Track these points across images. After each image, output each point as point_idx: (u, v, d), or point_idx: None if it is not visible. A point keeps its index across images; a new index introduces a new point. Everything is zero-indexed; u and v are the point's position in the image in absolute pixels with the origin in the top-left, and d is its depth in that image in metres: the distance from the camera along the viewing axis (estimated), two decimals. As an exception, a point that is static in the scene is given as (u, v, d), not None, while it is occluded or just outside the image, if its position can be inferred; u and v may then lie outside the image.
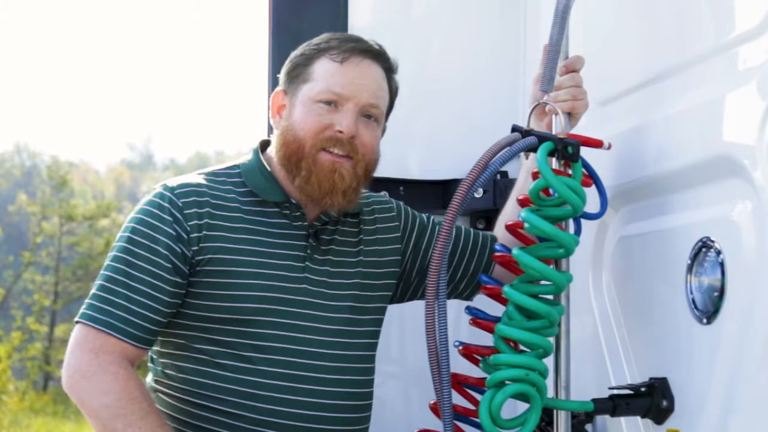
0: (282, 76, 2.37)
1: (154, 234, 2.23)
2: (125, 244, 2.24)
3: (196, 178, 2.32)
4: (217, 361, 2.24)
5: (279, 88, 2.37)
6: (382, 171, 2.92)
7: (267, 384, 2.23)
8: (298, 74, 2.32)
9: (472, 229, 2.53)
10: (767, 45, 1.87)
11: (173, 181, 2.31)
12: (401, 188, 2.95)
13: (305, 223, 2.32)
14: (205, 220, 2.25)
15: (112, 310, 2.19)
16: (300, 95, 2.30)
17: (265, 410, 2.22)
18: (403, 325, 2.91)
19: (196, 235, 2.24)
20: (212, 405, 2.23)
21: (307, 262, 2.29)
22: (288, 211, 2.31)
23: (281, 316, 2.25)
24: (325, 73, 2.29)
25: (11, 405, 16.16)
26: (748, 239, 1.90)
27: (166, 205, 2.25)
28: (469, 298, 2.51)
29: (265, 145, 2.40)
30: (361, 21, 2.96)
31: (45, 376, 20.72)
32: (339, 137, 2.26)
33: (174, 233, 2.23)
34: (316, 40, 2.35)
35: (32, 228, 23.18)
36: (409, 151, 3.05)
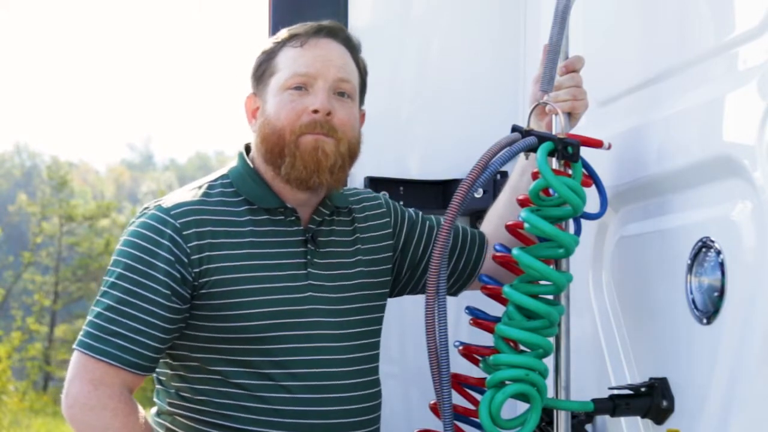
0: (250, 80, 2.35)
1: (152, 260, 2.17)
2: (122, 271, 2.18)
3: (191, 194, 2.27)
4: (236, 381, 2.20)
5: (249, 93, 2.35)
6: (382, 171, 2.94)
7: (290, 398, 2.20)
8: (264, 71, 2.31)
9: (461, 226, 2.51)
10: (767, 45, 1.87)
11: (168, 201, 2.25)
12: (401, 188, 2.94)
13: (301, 228, 2.29)
14: (207, 240, 2.20)
15: (111, 338, 2.15)
16: (269, 89, 2.28)
17: (290, 424, 2.19)
18: (403, 325, 2.91)
19: (197, 256, 2.18)
20: (235, 425, 2.19)
21: (309, 269, 2.27)
22: (283, 217, 2.28)
23: (292, 329, 2.21)
24: (288, 61, 2.28)
25: (11, 405, 16.16)
26: (748, 239, 1.90)
27: (163, 228, 2.19)
28: (455, 294, 2.50)
29: (249, 148, 2.36)
30: (361, 21, 2.96)
31: (45, 376, 20.73)
32: (316, 118, 2.23)
33: (173, 258, 2.17)
34: (275, 36, 2.34)
35: (32, 228, 23.19)
36: (409, 151, 3.05)
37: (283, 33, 2.33)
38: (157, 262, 2.17)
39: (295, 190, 2.27)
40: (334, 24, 2.35)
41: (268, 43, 2.34)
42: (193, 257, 2.18)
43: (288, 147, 2.23)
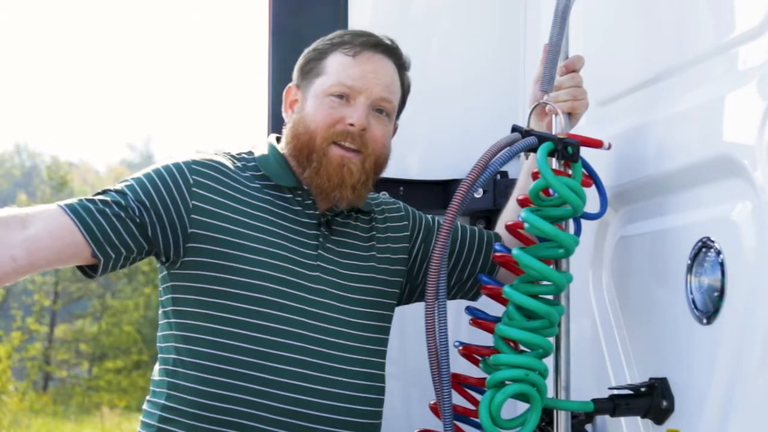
0: (295, 71, 2.41)
1: (154, 189, 2.24)
2: (126, 183, 2.27)
3: (217, 156, 2.35)
4: (231, 342, 2.22)
5: (292, 83, 2.41)
6: (382, 171, 2.94)
7: (282, 370, 2.21)
8: (311, 69, 2.36)
9: (476, 228, 2.54)
10: (767, 45, 1.87)
11: (196, 155, 2.33)
12: (401, 188, 2.95)
13: (317, 212, 2.34)
14: (218, 196, 2.26)
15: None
16: (312, 89, 2.34)
17: (279, 396, 2.20)
18: (403, 325, 2.91)
19: (199, 204, 2.24)
20: (228, 393, 2.20)
21: (320, 250, 2.31)
22: (300, 198, 2.33)
23: (292, 300, 2.25)
24: (338, 67, 2.32)
25: (11, 405, 16.17)
26: (748, 239, 1.90)
27: (176, 174, 2.26)
28: (475, 298, 2.50)
29: (278, 140, 2.43)
30: (361, 21, 2.96)
31: (45, 376, 20.71)
32: (350, 130, 2.28)
33: (171, 204, 2.24)
34: (330, 36, 2.38)
35: (32, 228, 23.12)
36: (409, 151, 3.05)
37: (338, 35, 2.37)
38: (154, 194, 2.24)
39: None
40: (390, 41, 2.39)
41: (321, 41, 2.38)
42: (194, 203, 2.24)
43: (317, 153, 2.29)
